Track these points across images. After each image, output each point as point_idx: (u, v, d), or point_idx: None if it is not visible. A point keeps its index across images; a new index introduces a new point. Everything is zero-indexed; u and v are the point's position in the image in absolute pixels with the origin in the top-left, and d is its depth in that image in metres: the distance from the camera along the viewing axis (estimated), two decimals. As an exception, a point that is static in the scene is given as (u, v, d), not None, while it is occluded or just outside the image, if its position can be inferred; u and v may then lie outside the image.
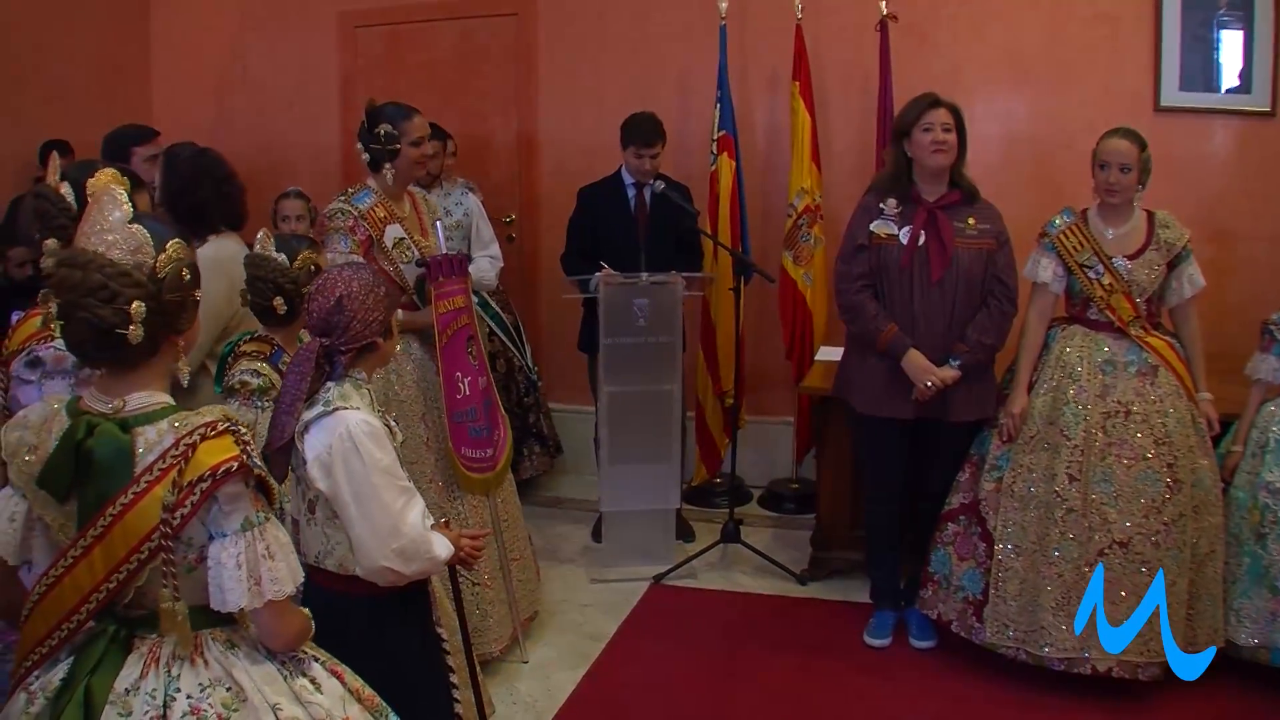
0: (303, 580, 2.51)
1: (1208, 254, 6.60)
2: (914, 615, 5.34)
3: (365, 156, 4.91)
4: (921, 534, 5.28)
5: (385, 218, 4.93)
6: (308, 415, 3.08)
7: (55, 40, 7.40)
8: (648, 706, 4.80)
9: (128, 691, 2.34)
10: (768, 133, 7.12)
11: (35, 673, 2.44)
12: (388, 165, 4.89)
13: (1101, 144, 4.99)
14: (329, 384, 3.13)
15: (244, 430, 2.42)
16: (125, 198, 2.42)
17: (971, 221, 4.99)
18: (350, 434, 3.02)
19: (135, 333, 2.31)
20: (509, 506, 5.30)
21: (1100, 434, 4.81)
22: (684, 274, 5.84)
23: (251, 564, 2.35)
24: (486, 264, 6.36)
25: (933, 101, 5.01)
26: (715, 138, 6.74)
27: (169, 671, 2.37)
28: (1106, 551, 4.71)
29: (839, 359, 5.53)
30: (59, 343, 2.80)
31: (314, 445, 3.04)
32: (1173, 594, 4.73)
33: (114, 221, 2.37)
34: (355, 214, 4.86)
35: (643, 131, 6.25)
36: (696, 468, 7.18)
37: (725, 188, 6.68)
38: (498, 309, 6.80)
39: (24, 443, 2.40)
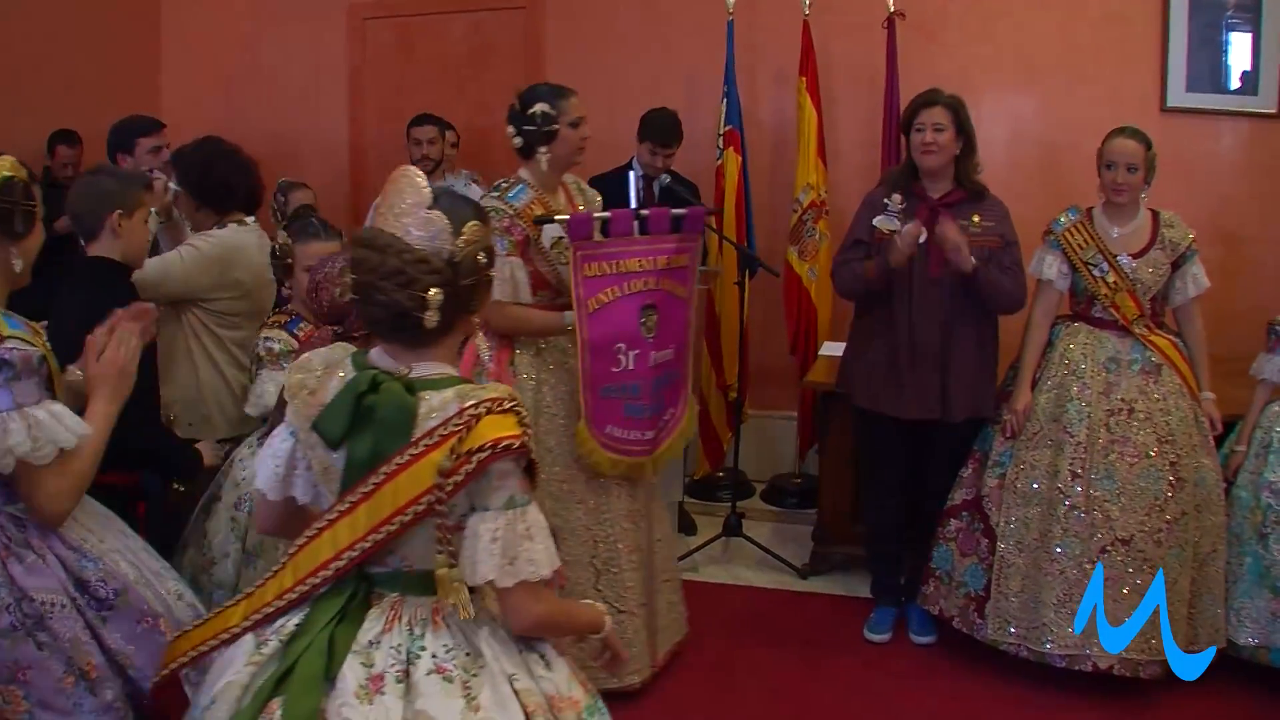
0: (559, 565, 2.51)
1: (1214, 255, 6.60)
2: (915, 611, 5.33)
3: (518, 141, 4.60)
4: (923, 530, 5.27)
5: (556, 210, 4.65)
6: None
7: (65, 30, 7.41)
8: (647, 698, 4.79)
9: (371, 644, 2.41)
10: (774, 128, 7.13)
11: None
12: (543, 149, 4.57)
13: (1107, 143, 5.00)
14: None
15: (525, 413, 2.45)
16: (424, 182, 2.47)
17: (976, 219, 4.98)
18: None
19: (431, 318, 2.40)
20: (661, 523, 5.00)
21: (1104, 431, 4.82)
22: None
23: (508, 542, 2.38)
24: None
25: (926, 101, 5.03)
26: (722, 132, 6.77)
27: (412, 630, 2.43)
28: (1109, 549, 4.72)
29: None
30: (19, 343, 2.81)
31: None
32: (1174, 593, 4.74)
33: (410, 205, 2.43)
34: (511, 213, 4.52)
35: (663, 131, 6.32)
36: (699, 461, 7.19)
37: (731, 182, 6.71)
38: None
39: (304, 385, 2.49)
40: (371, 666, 2.38)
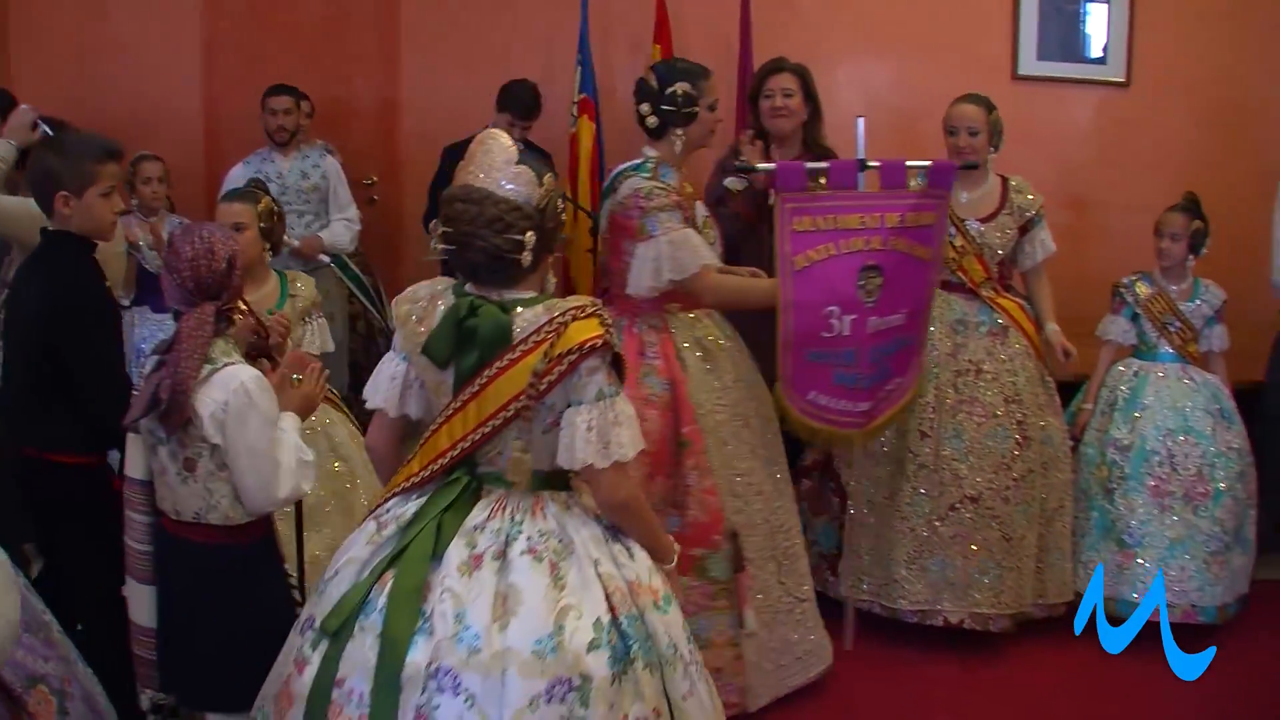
0: (642, 446, 2.88)
1: (1064, 220, 6.73)
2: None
3: (652, 120, 4.30)
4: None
5: (692, 193, 4.49)
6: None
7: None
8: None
9: (475, 529, 2.76)
10: (629, 96, 7.08)
11: (388, 505, 2.88)
12: (679, 131, 4.29)
13: (950, 111, 5.11)
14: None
15: (607, 315, 2.81)
16: (509, 141, 2.89)
17: (823, 181, 4.82)
18: (246, 388, 3.13)
19: (527, 258, 2.78)
20: (792, 534, 4.57)
21: (951, 392, 4.92)
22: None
23: (602, 429, 2.72)
24: (342, 228, 6.38)
25: (773, 68, 5.11)
26: (576, 100, 6.74)
27: (513, 518, 2.78)
28: (957, 506, 4.85)
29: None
30: None
31: (208, 401, 3.10)
32: (1022, 548, 4.92)
33: (501, 162, 2.81)
34: (673, 189, 4.26)
35: (523, 104, 6.31)
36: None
37: (585, 150, 6.68)
38: (358, 270, 6.75)
39: (413, 314, 2.87)
40: (474, 547, 2.72)
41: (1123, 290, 5.29)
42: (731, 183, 5.03)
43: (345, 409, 4.89)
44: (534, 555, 2.71)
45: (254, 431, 3.13)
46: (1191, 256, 5.30)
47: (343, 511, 4.54)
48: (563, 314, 2.75)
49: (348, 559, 2.81)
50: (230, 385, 3.11)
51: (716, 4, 6.89)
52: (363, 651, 2.62)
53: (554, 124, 6.88)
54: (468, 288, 2.87)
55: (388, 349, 6.81)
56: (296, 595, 3.59)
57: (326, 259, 6.46)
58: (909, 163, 4.57)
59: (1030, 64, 7.06)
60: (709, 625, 4.08)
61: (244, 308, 3.46)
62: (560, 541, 2.77)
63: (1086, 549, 5.15)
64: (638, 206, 4.15)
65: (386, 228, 7.30)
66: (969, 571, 4.82)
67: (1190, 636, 4.98)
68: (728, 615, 4.10)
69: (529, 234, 2.77)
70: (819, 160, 4.88)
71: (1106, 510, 5.10)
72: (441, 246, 2.84)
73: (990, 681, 4.77)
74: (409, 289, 2.96)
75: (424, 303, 2.89)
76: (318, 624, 2.72)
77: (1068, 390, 5.41)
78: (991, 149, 5.11)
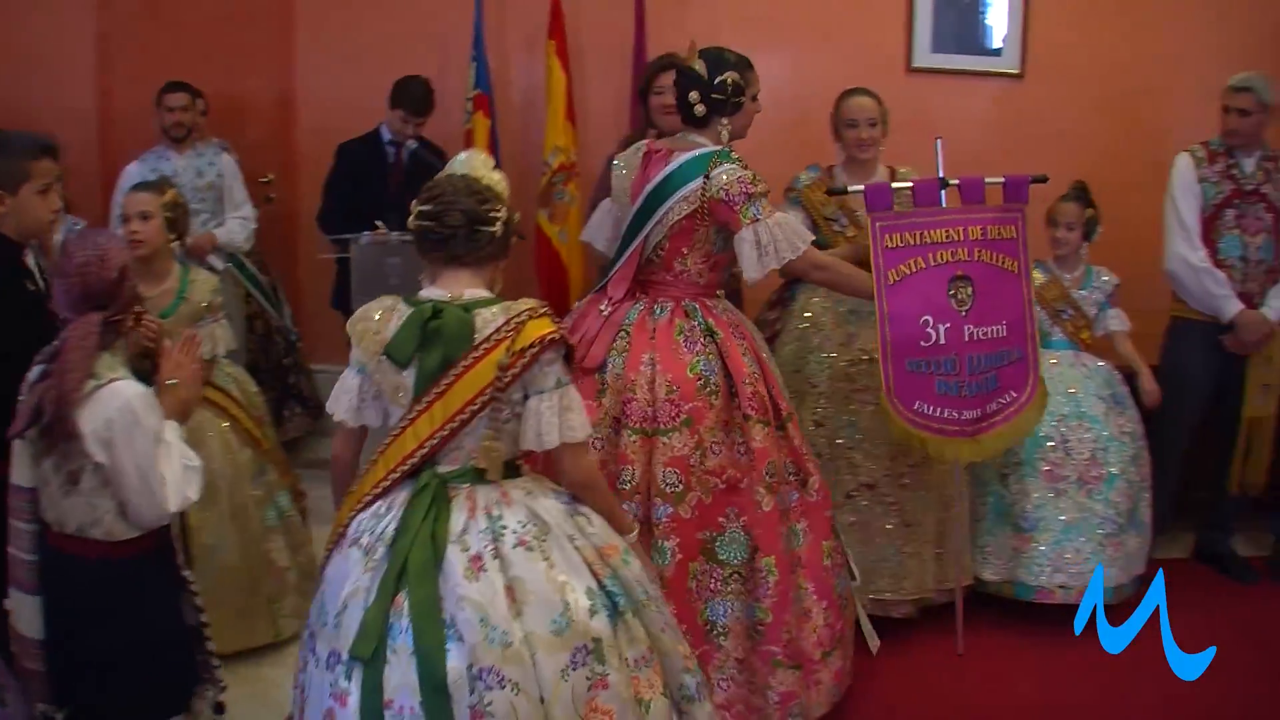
0: (591, 433, 3.20)
1: (959, 209, 6.78)
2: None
3: (700, 109, 4.20)
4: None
5: None
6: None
7: None
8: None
9: (463, 532, 2.89)
10: (524, 92, 7.11)
11: (360, 523, 3.00)
12: (725, 120, 4.26)
13: (845, 103, 5.15)
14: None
15: (553, 314, 3.07)
16: (490, 159, 3.28)
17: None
18: (131, 407, 3.08)
19: (499, 229, 3.10)
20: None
21: (845, 382, 4.92)
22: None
23: (563, 413, 3.00)
24: (237, 226, 6.33)
25: (663, 64, 5.09)
26: (470, 96, 6.72)
27: (490, 515, 2.94)
28: (854, 494, 4.88)
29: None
30: None
31: (92, 419, 3.05)
32: (920, 533, 5.00)
33: (483, 165, 3.21)
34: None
35: (416, 101, 6.25)
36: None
37: (480, 146, 6.52)
38: (254, 269, 6.69)
39: (370, 329, 3.03)
40: (468, 550, 2.86)
41: None
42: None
43: (238, 410, 4.81)
44: (525, 546, 2.89)
45: (139, 450, 3.09)
46: (1085, 244, 5.37)
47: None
48: (519, 315, 2.98)
49: (352, 590, 2.88)
50: (114, 404, 3.07)
51: (612, -2, 6.88)
52: (401, 672, 2.74)
53: (449, 120, 6.85)
54: (423, 293, 3.09)
55: (287, 349, 6.83)
56: (198, 602, 3.51)
57: (219, 261, 6.39)
58: (987, 179, 4.77)
59: (925, 56, 7.13)
60: (724, 610, 4.03)
61: (139, 318, 3.37)
62: (538, 526, 2.95)
63: (983, 534, 5.21)
64: (744, 193, 4.08)
65: (283, 226, 7.26)
66: (869, 558, 4.84)
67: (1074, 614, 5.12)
68: (741, 601, 4.04)
69: (504, 210, 3.10)
70: None
71: (1002, 496, 5.16)
72: (420, 223, 3.09)
73: (897, 668, 4.78)
74: (360, 310, 3.12)
75: (378, 317, 3.05)
76: (345, 655, 2.81)
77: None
78: (882, 140, 5.15)
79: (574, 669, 2.82)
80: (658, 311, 4.17)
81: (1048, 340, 5.31)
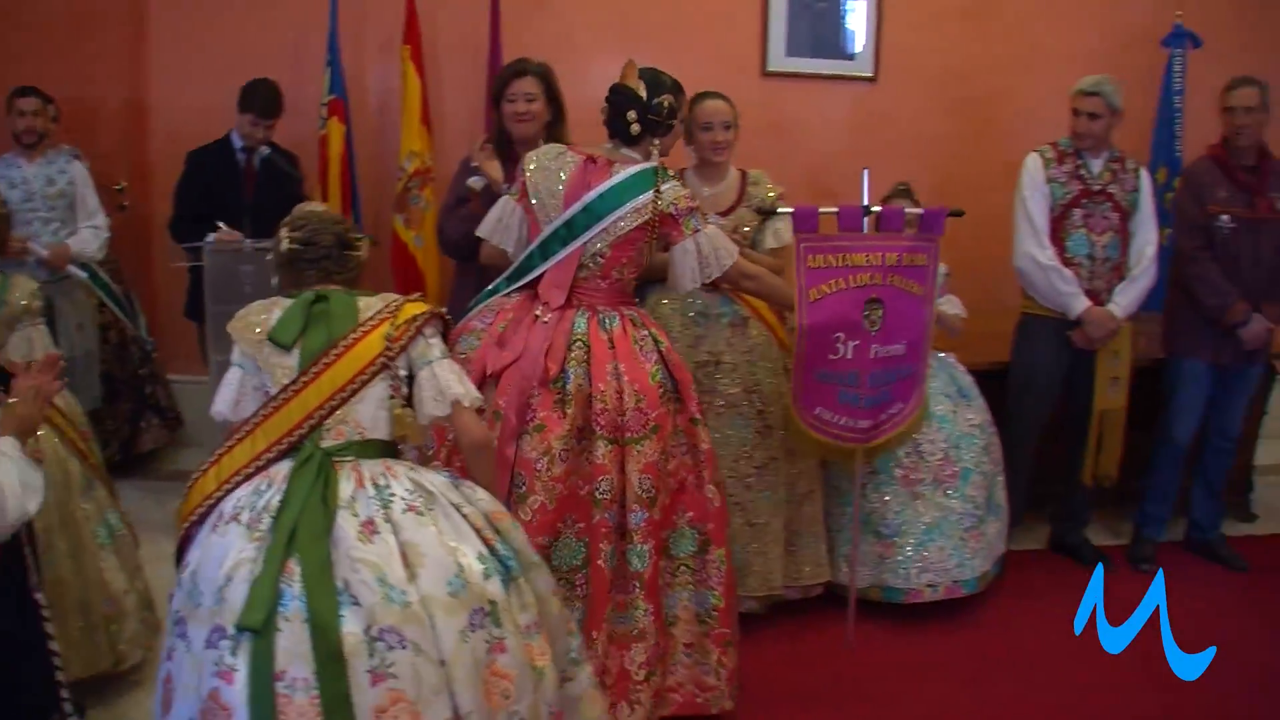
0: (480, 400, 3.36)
1: (814, 211, 6.85)
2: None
3: (636, 128, 4.30)
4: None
5: None
6: None
7: None
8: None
9: (352, 499, 2.93)
10: (379, 97, 7.06)
11: (238, 499, 3.00)
12: (656, 140, 4.40)
13: (699, 106, 5.17)
14: None
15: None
16: None
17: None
18: None
19: (362, 255, 3.41)
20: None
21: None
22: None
23: (459, 377, 3.25)
24: (90, 235, 6.23)
25: (516, 71, 5.08)
26: (325, 101, 6.65)
27: (377, 484, 2.99)
28: (700, 494, 4.88)
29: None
30: None
31: None
32: (768, 533, 5.03)
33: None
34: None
35: (264, 103, 6.15)
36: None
37: (335, 152, 6.58)
38: (107, 279, 6.56)
39: (251, 324, 3.19)
40: (358, 516, 2.89)
41: None
42: (474, 181, 5.02)
43: (63, 421, 4.68)
44: (415, 512, 2.95)
45: None
46: None
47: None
48: (396, 300, 3.26)
49: (235, 562, 2.83)
50: None
51: (467, 3, 6.87)
52: (294, 640, 2.70)
53: (304, 125, 6.80)
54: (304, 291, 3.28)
55: (143, 359, 6.72)
56: (49, 628, 3.48)
57: (78, 269, 6.29)
58: (907, 209, 5.01)
59: (779, 60, 7.21)
60: (674, 601, 4.26)
61: None
62: (424, 496, 3.02)
63: (845, 542, 5.24)
64: (688, 207, 4.28)
65: (136, 234, 7.13)
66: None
67: (951, 609, 5.25)
68: (690, 590, 4.27)
69: (363, 246, 3.40)
70: None
71: (861, 506, 5.20)
72: (290, 247, 3.30)
73: (746, 664, 4.80)
74: (242, 311, 3.28)
75: (261, 315, 3.22)
76: (231, 629, 2.74)
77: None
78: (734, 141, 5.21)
79: (473, 630, 2.86)
80: (607, 322, 4.22)
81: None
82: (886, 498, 5.24)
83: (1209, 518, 6.15)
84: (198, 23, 7.05)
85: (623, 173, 4.22)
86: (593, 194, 4.19)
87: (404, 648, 2.74)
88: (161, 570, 4.51)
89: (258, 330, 3.16)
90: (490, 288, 4.42)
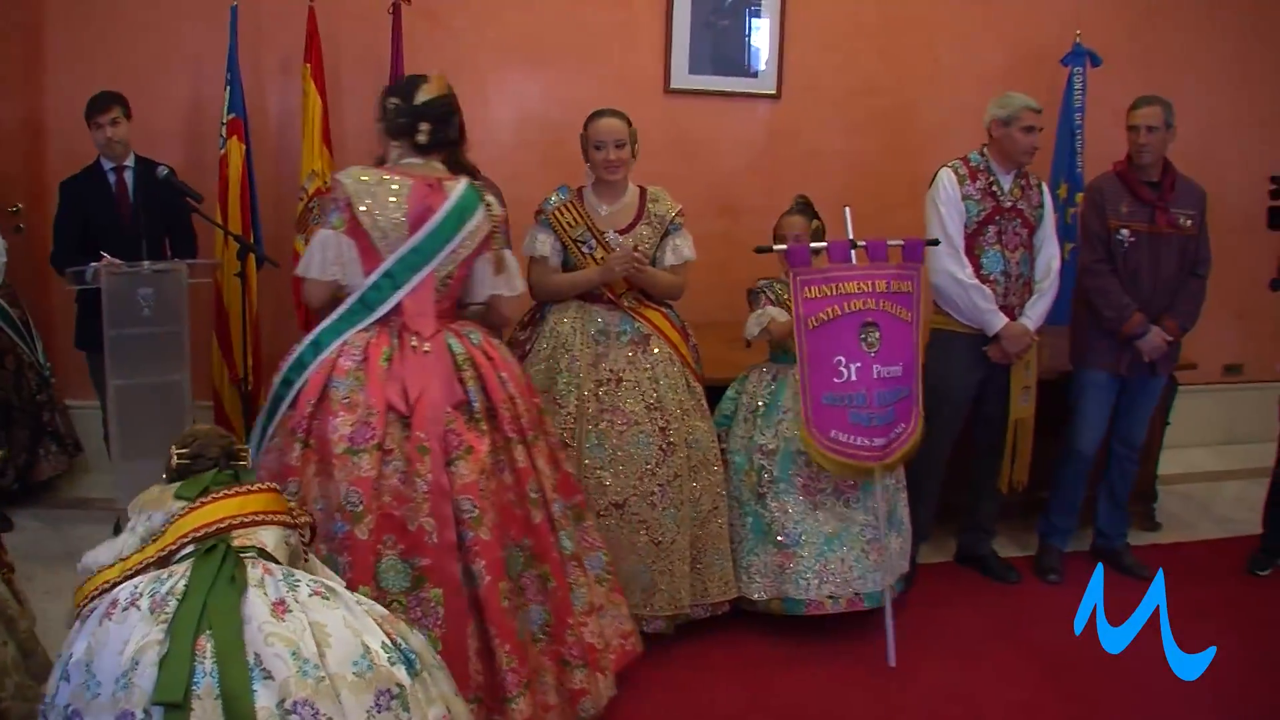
0: None
1: (719, 227, 6.91)
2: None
3: (424, 138, 4.28)
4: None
5: None
6: None
7: None
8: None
9: (261, 580, 2.91)
10: (280, 116, 6.99)
11: (137, 588, 2.91)
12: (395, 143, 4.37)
13: (592, 125, 5.17)
14: None
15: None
16: None
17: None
18: None
19: (247, 462, 3.35)
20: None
21: (593, 401, 4.97)
22: (188, 260, 5.66)
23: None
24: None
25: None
26: (225, 121, 6.55)
27: (283, 573, 2.98)
28: (603, 513, 4.90)
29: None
30: None
31: None
32: (674, 551, 5.01)
33: None
34: None
35: (92, 102, 6.02)
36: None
37: (235, 172, 6.48)
38: (4, 303, 6.41)
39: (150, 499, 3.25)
40: (268, 595, 2.87)
41: (763, 290, 5.42)
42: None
43: None
44: (320, 595, 2.94)
45: None
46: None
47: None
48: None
49: (141, 644, 2.74)
50: None
51: (367, 20, 6.82)
52: (206, 718, 2.65)
53: (205, 145, 6.74)
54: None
55: (40, 385, 6.59)
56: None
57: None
58: (890, 241, 5.20)
59: (682, 78, 7.23)
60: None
61: None
62: (327, 588, 3.01)
63: (746, 554, 5.23)
64: (504, 218, 4.46)
65: (34, 258, 7.00)
66: (620, 576, 4.85)
67: (857, 621, 5.28)
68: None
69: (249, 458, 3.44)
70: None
71: (761, 514, 5.21)
72: (177, 463, 3.29)
73: (656, 682, 4.81)
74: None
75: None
76: (140, 712, 2.66)
77: (716, 393, 5.51)
78: (631, 159, 5.18)
79: (379, 711, 2.82)
80: (473, 338, 4.25)
81: (791, 355, 5.31)
82: (787, 507, 5.21)
83: (1114, 527, 6.23)
84: (94, 41, 6.94)
85: (454, 192, 4.22)
86: (438, 217, 4.17)
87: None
88: (60, 604, 4.39)
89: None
90: (333, 323, 4.23)
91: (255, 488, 3.21)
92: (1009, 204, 5.66)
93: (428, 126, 4.27)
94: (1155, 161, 5.76)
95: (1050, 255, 5.77)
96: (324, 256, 4.19)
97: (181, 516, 3.09)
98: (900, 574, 5.47)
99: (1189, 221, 5.78)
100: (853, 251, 5.16)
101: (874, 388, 5.06)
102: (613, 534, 4.86)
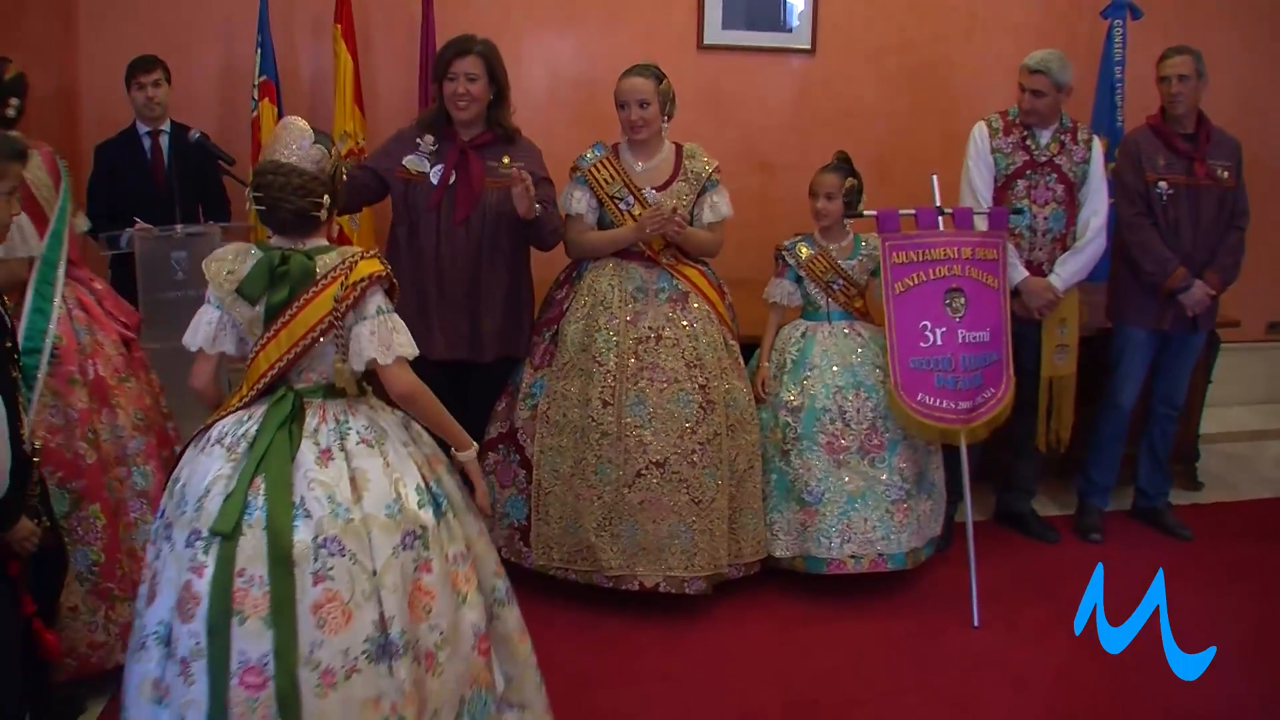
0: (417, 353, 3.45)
1: (754, 185, 6.87)
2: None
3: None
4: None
5: None
6: None
7: None
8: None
9: (315, 431, 3.28)
10: (311, 77, 6.96)
11: (222, 428, 3.31)
12: None
13: (619, 85, 5.13)
14: None
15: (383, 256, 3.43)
16: (305, 124, 3.41)
17: (506, 160, 4.96)
18: None
19: (323, 214, 3.40)
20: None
21: (633, 359, 4.93)
22: (221, 224, 5.62)
23: (383, 335, 3.32)
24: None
25: (459, 50, 4.94)
26: (256, 83, 6.54)
27: (338, 420, 3.33)
28: (644, 472, 4.87)
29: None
30: None
31: None
32: (713, 510, 4.97)
33: (298, 142, 3.35)
34: None
35: (132, 64, 6.00)
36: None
37: (267, 134, 6.43)
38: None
39: (223, 269, 3.35)
40: (319, 445, 3.25)
41: (784, 253, 5.38)
42: (410, 162, 4.98)
43: None
44: (366, 444, 3.31)
45: None
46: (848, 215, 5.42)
47: None
48: (352, 256, 3.35)
49: (215, 476, 3.19)
50: None
51: (398, -21, 6.80)
52: (254, 544, 3.08)
53: (236, 107, 6.74)
54: (273, 242, 3.43)
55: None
56: None
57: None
58: (975, 211, 5.37)
59: (715, 33, 7.17)
60: None
61: None
62: (377, 432, 3.37)
63: (770, 510, 5.24)
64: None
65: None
66: (660, 536, 4.85)
67: (880, 581, 5.23)
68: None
69: (326, 197, 3.37)
70: (504, 137, 5.07)
71: (785, 472, 5.20)
72: (255, 208, 3.38)
73: (694, 643, 4.81)
74: (217, 251, 3.43)
75: (232, 258, 3.37)
76: (205, 532, 3.11)
77: (750, 351, 5.48)
78: (665, 118, 5.13)
79: (404, 549, 3.22)
80: None
81: (820, 312, 5.38)
82: (811, 465, 5.19)
83: (1155, 486, 6.18)
84: (126, 6, 6.93)
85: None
86: None
87: (343, 555, 3.12)
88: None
89: (229, 275, 3.35)
90: None
91: (309, 295, 3.31)
92: (1044, 159, 5.60)
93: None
94: (1189, 112, 5.70)
95: (1092, 210, 5.67)
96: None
97: (248, 365, 3.37)
98: (932, 536, 5.43)
99: (1226, 173, 5.72)
100: (940, 219, 5.25)
101: (959, 352, 5.15)
102: (653, 493, 4.86)
